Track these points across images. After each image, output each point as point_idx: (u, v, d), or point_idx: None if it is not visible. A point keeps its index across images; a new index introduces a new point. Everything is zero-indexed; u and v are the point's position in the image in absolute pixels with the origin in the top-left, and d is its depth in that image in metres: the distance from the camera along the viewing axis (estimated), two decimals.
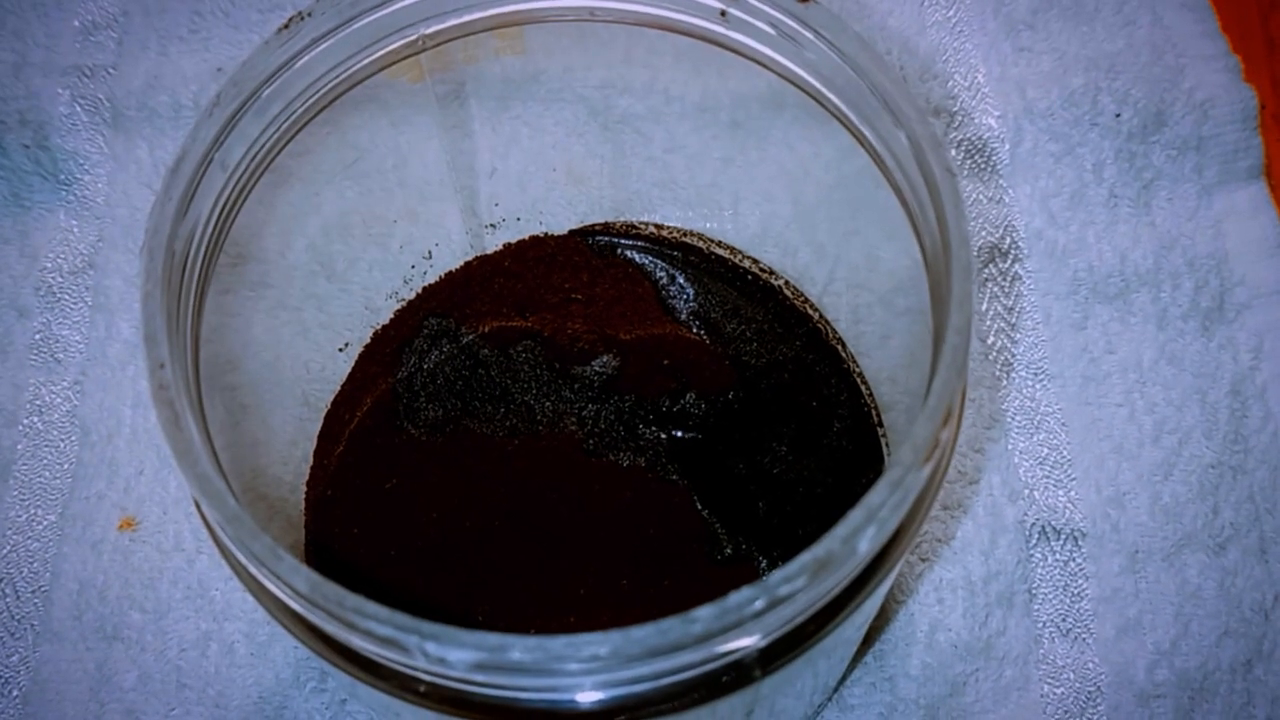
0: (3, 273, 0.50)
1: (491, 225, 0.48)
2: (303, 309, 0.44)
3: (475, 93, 0.44)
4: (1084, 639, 0.44)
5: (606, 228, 0.48)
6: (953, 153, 0.52)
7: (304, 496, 0.43)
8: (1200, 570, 0.45)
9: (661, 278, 0.47)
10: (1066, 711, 0.43)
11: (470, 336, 0.46)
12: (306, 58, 0.36)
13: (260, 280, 0.41)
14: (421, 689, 0.28)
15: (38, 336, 0.49)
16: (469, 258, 0.48)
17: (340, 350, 0.46)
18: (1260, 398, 0.47)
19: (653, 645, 0.26)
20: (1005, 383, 0.48)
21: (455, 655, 0.26)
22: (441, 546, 0.41)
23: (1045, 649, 0.44)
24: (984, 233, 0.50)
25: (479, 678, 0.27)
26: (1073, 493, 0.46)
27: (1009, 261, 0.50)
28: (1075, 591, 0.45)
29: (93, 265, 0.50)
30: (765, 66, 0.37)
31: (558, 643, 0.26)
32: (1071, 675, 0.44)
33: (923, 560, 0.45)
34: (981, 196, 0.51)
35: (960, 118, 0.52)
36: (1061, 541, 0.45)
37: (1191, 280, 0.49)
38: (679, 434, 0.44)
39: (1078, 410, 0.48)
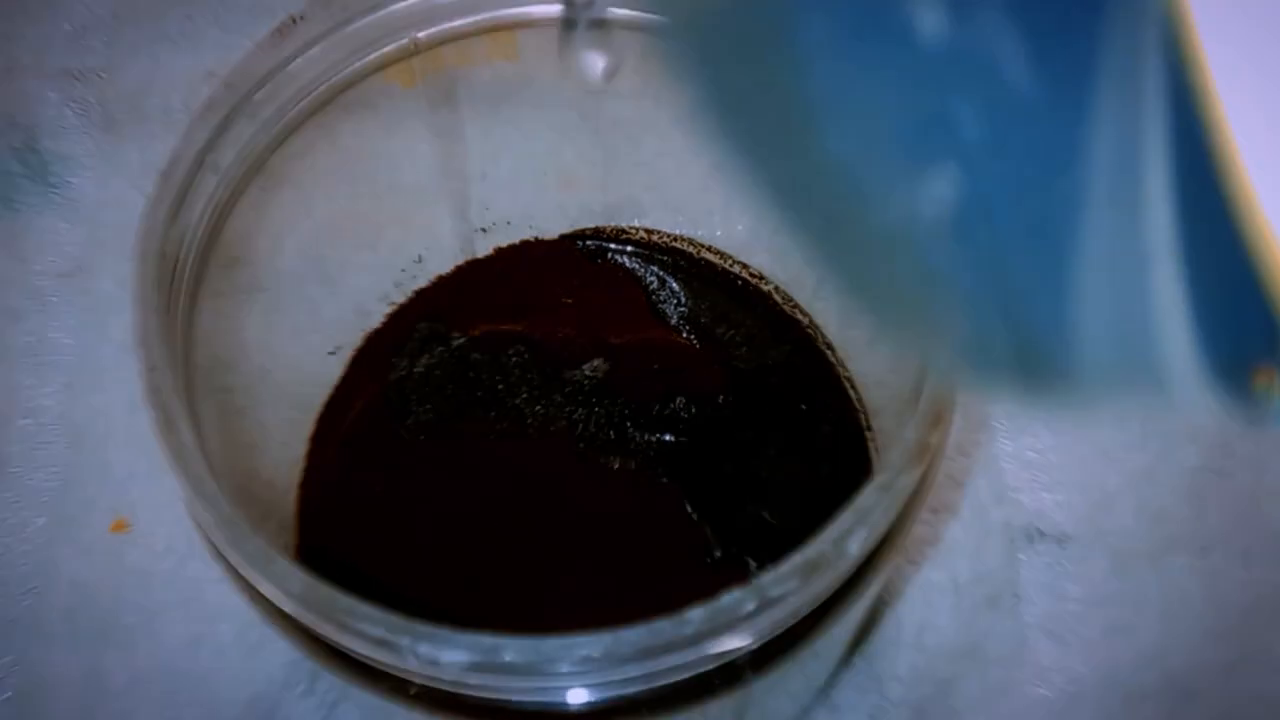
0: None
1: (482, 229, 0.48)
2: (294, 312, 0.44)
3: (467, 97, 0.44)
4: (1070, 641, 0.44)
5: (597, 232, 0.48)
6: None
7: (295, 499, 0.43)
8: (1185, 573, 0.45)
9: (652, 282, 0.47)
10: (1053, 713, 0.43)
11: (461, 340, 0.46)
12: (298, 61, 0.36)
13: (251, 284, 0.41)
14: (413, 691, 0.29)
15: (29, 339, 0.49)
16: (460, 262, 0.48)
17: (331, 354, 0.46)
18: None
19: (645, 646, 0.26)
20: None
21: (448, 657, 0.26)
22: (432, 549, 0.42)
23: (1032, 651, 0.44)
24: None
25: (471, 679, 0.27)
26: (1059, 496, 0.46)
27: None
28: (1061, 594, 0.45)
29: (83, 268, 0.50)
30: None
31: (550, 644, 0.26)
32: (1058, 677, 0.44)
33: (910, 562, 0.45)
34: None
35: None
36: (1047, 544, 0.46)
37: None
38: (669, 438, 0.44)
39: (1064, 414, 0.48)
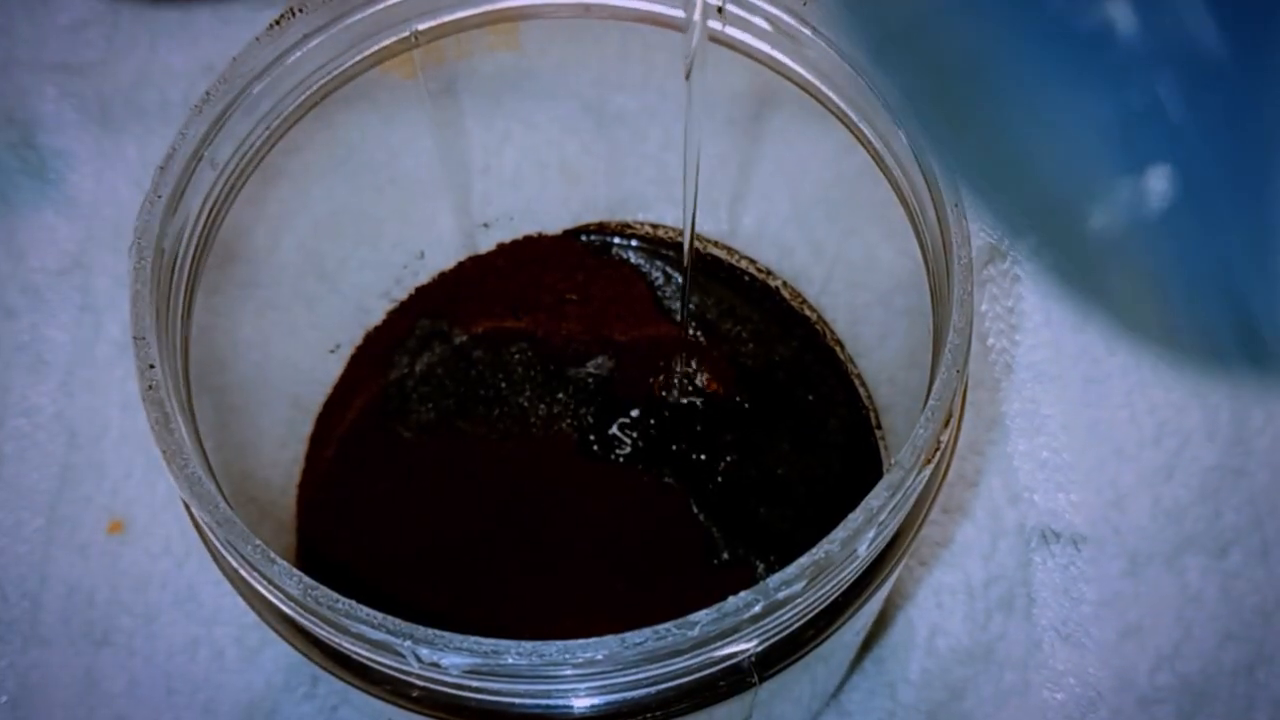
0: None
1: (485, 224, 0.47)
2: (293, 309, 0.44)
3: (468, 89, 0.44)
4: (1084, 644, 0.44)
5: (601, 227, 0.48)
6: None
7: (295, 499, 0.43)
8: (1201, 574, 0.45)
9: (657, 278, 0.47)
10: (1067, 717, 0.43)
11: (463, 338, 0.45)
12: (297, 54, 0.35)
13: (249, 280, 0.41)
14: (414, 694, 0.28)
15: (25, 337, 0.49)
16: (462, 257, 0.47)
17: (331, 351, 0.45)
18: (1261, 400, 0.47)
19: (649, 650, 0.26)
20: (1005, 384, 0.48)
21: (449, 660, 0.26)
22: (434, 550, 0.41)
23: (1046, 654, 0.44)
24: (983, 233, 0.50)
25: (473, 683, 0.27)
26: (1073, 496, 0.46)
27: (1009, 263, 0.50)
28: (1076, 596, 0.44)
29: (80, 265, 0.50)
30: (763, 63, 0.36)
31: (553, 647, 0.26)
32: (1072, 680, 0.43)
33: (921, 564, 0.45)
34: None
35: None
36: (1062, 545, 0.45)
37: None
38: (674, 437, 0.43)
39: (1078, 412, 0.47)
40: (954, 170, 0.18)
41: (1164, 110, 0.15)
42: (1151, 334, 0.18)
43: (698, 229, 0.47)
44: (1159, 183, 0.15)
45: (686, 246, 0.41)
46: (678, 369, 0.45)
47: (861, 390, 0.45)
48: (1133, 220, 0.16)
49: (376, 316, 0.46)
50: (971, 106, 0.17)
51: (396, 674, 0.28)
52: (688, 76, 0.35)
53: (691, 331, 0.46)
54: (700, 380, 0.44)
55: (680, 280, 0.47)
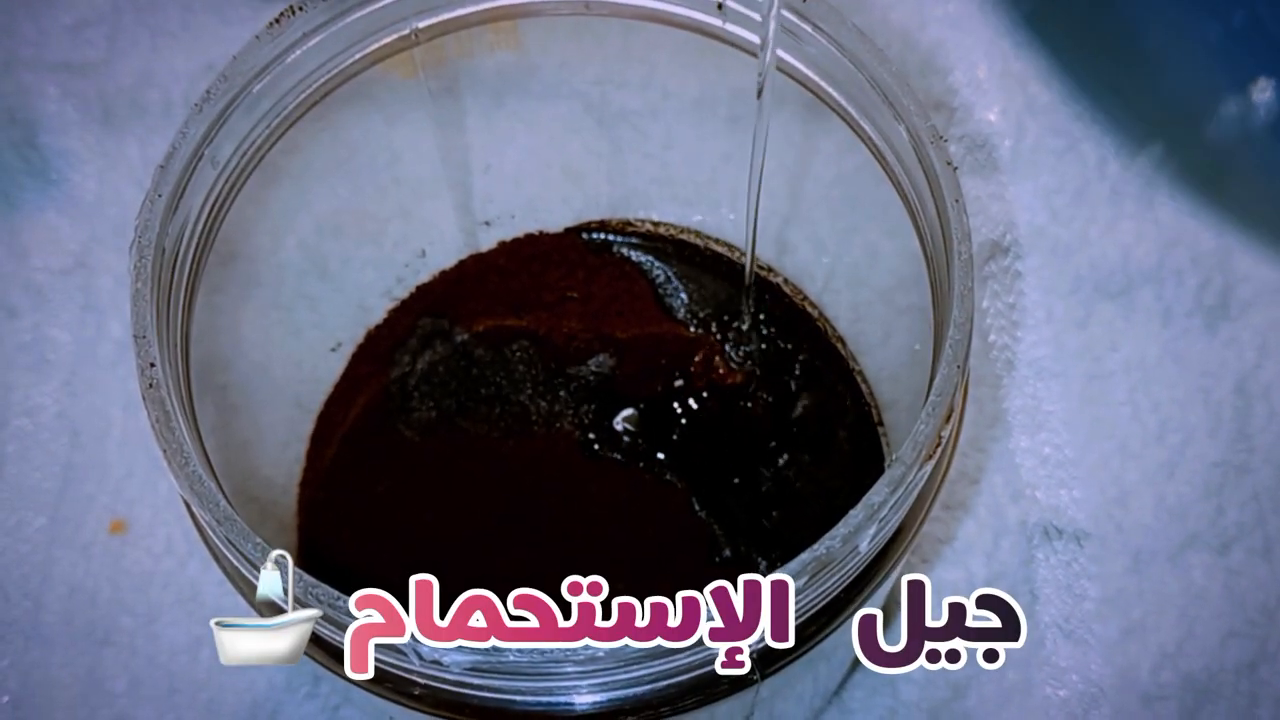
0: None
1: (486, 223, 0.47)
2: (294, 308, 0.44)
3: (469, 88, 0.44)
4: (1087, 641, 0.44)
5: (603, 225, 0.48)
6: (953, 148, 0.51)
7: (296, 498, 0.43)
8: (1205, 571, 0.45)
9: (659, 275, 0.47)
10: (1070, 714, 0.43)
11: (464, 336, 0.45)
12: (298, 52, 0.35)
13: (251, 279, 0.41)
14: (416, 692, 0.28)
15: (27, 337, 0.49)
16: (463, 255, 0.47)
17: (333, 350, 0.45)
18: (1265, 396, 0.47)
19: (651, 647, 0.26)
20: (1007, 381, 0.48)
21: (450, 657, 0.26)
22: (436, 548, 0.41)
23: (1048, 651, 0.44)
24: (985, 229, 0.50)
25: (475, 680, 0.27)
26: (1076, 492, 0.46)
27: (1010, 259, 0.49)
28: (1078, 593, 0.44)
29: (82, 264, 0.50)
30: None
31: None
32: (1075, 677, 0.43)
33: (924, 562, 0.45)
34: (982, 193, 0.51)
35: (961, 113, 0.52)
36: (1064, 542, 0.45)
37: (1195, 277, 0.49)
38: (676, 434, 0.43)
39: (1081, 409, 0.47)
40: (1085, 86, 0.18)
41: (1265, 28, 0.15)
42: (1267, 233, 0.18)
43: (700, 227, 0.47)
44: (1266, 95, 0.16)
45: (749, 261, 0.41)
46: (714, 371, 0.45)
47: (863, 387, 0.45)
48: (1245, 129, 0.16)
49: (378, 315, 0.46)
50: (1098, 28, 0.17)
51: (398, 672, 0.28)
52: (759, 95, 0.35)
53: (693, 329, 0.46)
54: (728, 380, 0.44)
55: (675, 278, 0.47)
